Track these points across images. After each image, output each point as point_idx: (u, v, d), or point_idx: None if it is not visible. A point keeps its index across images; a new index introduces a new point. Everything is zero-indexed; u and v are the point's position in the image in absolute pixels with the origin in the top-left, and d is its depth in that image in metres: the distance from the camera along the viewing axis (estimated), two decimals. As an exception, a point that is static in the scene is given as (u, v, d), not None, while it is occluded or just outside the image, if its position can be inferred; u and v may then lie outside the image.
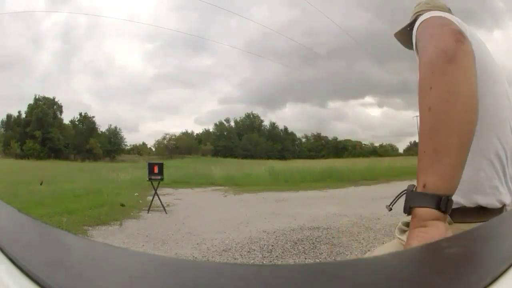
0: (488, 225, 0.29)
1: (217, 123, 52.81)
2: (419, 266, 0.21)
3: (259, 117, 54.91)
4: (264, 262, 3.06)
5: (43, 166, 23.64)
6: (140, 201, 6.74)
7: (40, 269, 0.22)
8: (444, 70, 0.53)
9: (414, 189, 0.54)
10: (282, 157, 44.95)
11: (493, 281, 0.19)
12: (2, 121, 41.05)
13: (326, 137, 54.70)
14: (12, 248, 0.25)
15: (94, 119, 45.64)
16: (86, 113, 45.77)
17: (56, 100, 42.78)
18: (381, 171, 13.36)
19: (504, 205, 0.70)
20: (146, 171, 6.09)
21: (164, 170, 6.07)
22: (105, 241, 3.54)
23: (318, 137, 54.32)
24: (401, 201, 0.93)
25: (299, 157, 45.72)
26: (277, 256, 3.29)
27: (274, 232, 4.24)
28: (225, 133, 51.39)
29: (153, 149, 47.67)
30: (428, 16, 0.71)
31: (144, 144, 50.71)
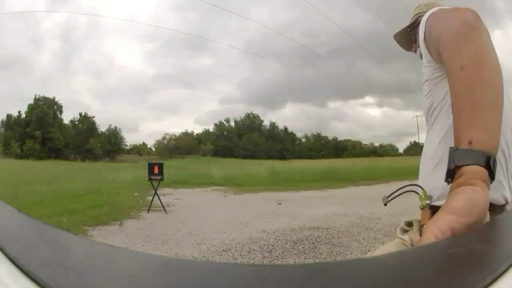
0: (488, 225, 0.29)
1: (217, 123, 52.84)
2: (419, 266, 0.21)
3: (259, 117, 54.95)
4: (264, 262, 3.06)
5: (43, 166, 23.64)
6: (140, 201, 6.73)
7: (40, 269, 0.22)
8: (470, 36, 0.56)
9: (456, 149, 0.51)
10: (282, 157, 44.95)
11: (493, 281, 0.19)
12: (2, 121, 41.07)
13: (326, 137, 54.74)
14: (12, 248, 0.25)
15: (94, 119, 45.67)
16: (86, 113, 45.81)
17: (56, 100, 42.80)
18: (381, 171, 13.36)
19: (506, 203, 0.71)
20: (146, 171, 6.09)
21: (164, 170, 6.07)
22: (105, 241, 3.54)
23: (318, 137, 54.33)
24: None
25: (299, 157, 45.73)
26: (277, 256, 3.29)
27: (274, 232, 4.24)
28: (225, 133, 51.40)
29: (153, 149, 47.70)
30: (437, 9, 0.73)
31: (144, 144, 50.75)
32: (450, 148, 0.52)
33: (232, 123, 53.10)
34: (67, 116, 47.08)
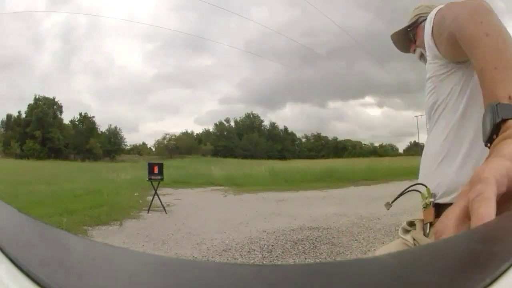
0: (488, 225, 0.29)
1: (217, 123, 52.93)
2: (419, 266, 0.21)
3: (259, 117, 55.07)
4: (264, 262, 3.06)
5: (43, 166, 23.64)
6: (140, 201, 6.74)
7: (40, 269, 0.22)
8: (488, 13, 0.60)
9: (497, 104, 0.49)
10: (282, 157, 44.99)
11: (493, 281, 0.19)
12: (2, 121, 41.11)
13: (326, 137, 54.83)
14: (12, 248, 0.25)
15: (94, 119, 45.78)
16: (86, 113, 45.94)
17: (56, 100, 42.88)
18: (381, 171, 13.37)
19: None
20: (146, 171, 6.09)
21: (164, 170, 6.07)
22: (105, 241, 3.54)
23: (318, 137, 54.38)
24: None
25: (299, 157, 45.79)
26: (277, 256, 3.29)
27: (274, 232, 4.24)
28: (225, 133, 51.44)
29: (153, 149, 47.78)
30: (443, 5, 0.75)
31: (144, 144, 50.88)
32: (489, 104, 0.50)
33: (232, 123, 53.22)
34: (67, 116, 47.25)
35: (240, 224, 4.77)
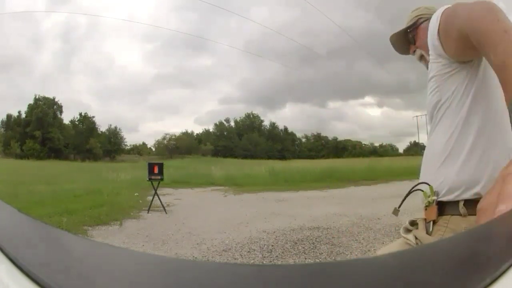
0: (488, 225, 0.29)
1: (217, 123, 52.90)
2: (419, 266, 0.21)
3: (259, 117, 55.02)
4: (264, 262, 3.06)
5: (43, 166, 23.64)
6: (140, 201, 6.73)
7: (40, 269, 0.22)
8: (501, 12, 0.62)
9: None
10: (282, 157, 44.96)
11: (493, 281, 0.19)
12: (2, 121, 41.09)
13: (326, 137, 54.79)
14: (12, 248, 0.25)
15: (94, 119, 45.73)
16: (86, 113, 45.90)
17: (56, 100, 42.85)
18: (381, 171, 13.36)
19: None
20: (146, 171, 6.09)
21: (164, 170, 6.07)
22: (105, 241, 3.54)
23: (318, 137, 54.36)
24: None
25: (299, 157, 45.75)
26: (277, 256, 3.29)
27: (274, 232, 4.24)
28: (225, 133, 51.41)
29: (153, 149, 47.75)
30: (449, 5, 0.76)
31: (144, 144, 50.84)
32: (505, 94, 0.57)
33: (232, 123, 53.18)
34: (67, 116, 47.23)
35: (240, 224, 4.77)
